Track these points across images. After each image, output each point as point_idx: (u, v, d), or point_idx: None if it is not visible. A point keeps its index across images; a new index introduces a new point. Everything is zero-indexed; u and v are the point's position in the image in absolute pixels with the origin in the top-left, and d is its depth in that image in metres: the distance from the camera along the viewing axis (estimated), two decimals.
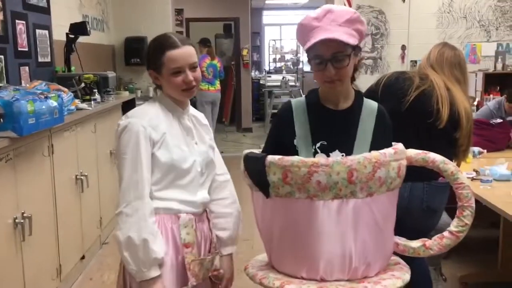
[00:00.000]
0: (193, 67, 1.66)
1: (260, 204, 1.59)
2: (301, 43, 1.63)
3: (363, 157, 1.44)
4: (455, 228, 1.62)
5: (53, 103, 2.64)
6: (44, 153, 2.78)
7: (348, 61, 1.55)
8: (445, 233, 1.64)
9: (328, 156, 1.60)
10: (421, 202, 2.19)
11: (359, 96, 1.69)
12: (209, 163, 1.76)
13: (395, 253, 1.70)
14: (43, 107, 2.52)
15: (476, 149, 3.38)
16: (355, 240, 1.46)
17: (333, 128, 1.63)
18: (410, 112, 2.17)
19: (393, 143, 1.65)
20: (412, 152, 1.62)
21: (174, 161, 1.63)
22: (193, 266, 1.65)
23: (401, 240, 1.70)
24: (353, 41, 1.54)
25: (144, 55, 1.77)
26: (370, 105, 1.69)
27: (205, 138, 1.78)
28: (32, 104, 2.41)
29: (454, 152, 2.25)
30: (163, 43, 1.66)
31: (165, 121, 1.66)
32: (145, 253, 1.54)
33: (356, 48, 1.58)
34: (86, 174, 3.37)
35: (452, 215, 1.70)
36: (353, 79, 1.68)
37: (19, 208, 2.45)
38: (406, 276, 1.57)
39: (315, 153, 1.61)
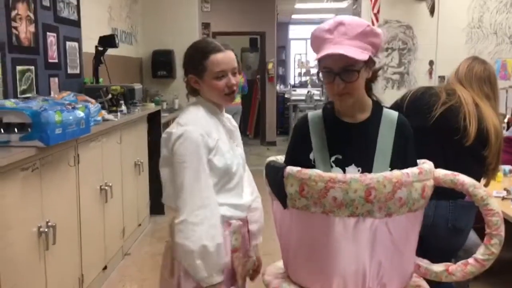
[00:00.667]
0: (234, 72, 1.69)
1: (279, 213, 1.58)
2: (314, 52, 1.59)
3: (382, 176, 1.39)
4: (481, 256, 1.55)
5: (80, 113, 2.68)
6: (70, 163, 2.82)
7: (357, 75, 1.50)
8: (470, 260, 1.57)
9: (343, 170, 1.55)
10: (446, 221, 2.12)
11: (377, 107, 1.63)
12: (244, 164, 1.83)
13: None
14: (70, 117, 2.56)
15: (507, 167, 3.29)
16: (370, 260, 1.42)
17: (349, 142, 1.58)
18: (435, 128, 2.13)
19: (419, 160, 1.60)
20: (441, 173, 1.55)
21: (228, 165, 1.68)
22: (240, 269, 1.72)
23: (423, 263, 1.64)
24: (363, 56, 1.47)
25: (183, 61, 1.75)
26: (390, 116, 1.62)
27: (240, 140, 1.85)
28: (60, 115, 2.45)
29: (483, 170, 2.18)
30: (205, 47, 1.67)
31: (213, 126, 1.69)
32: (219, 258, 1.59)
33: (369, 62, 1.52)
34: (110, 184, 3.40)
35: (480, 234, 1.64)
36: (369, 89, 1.62)
37: (43, 217, 2.48)
38: None
39: (331, 167, 1.57)
